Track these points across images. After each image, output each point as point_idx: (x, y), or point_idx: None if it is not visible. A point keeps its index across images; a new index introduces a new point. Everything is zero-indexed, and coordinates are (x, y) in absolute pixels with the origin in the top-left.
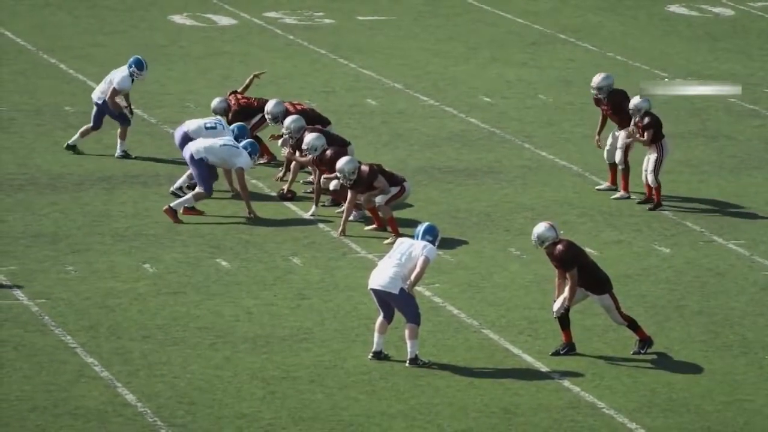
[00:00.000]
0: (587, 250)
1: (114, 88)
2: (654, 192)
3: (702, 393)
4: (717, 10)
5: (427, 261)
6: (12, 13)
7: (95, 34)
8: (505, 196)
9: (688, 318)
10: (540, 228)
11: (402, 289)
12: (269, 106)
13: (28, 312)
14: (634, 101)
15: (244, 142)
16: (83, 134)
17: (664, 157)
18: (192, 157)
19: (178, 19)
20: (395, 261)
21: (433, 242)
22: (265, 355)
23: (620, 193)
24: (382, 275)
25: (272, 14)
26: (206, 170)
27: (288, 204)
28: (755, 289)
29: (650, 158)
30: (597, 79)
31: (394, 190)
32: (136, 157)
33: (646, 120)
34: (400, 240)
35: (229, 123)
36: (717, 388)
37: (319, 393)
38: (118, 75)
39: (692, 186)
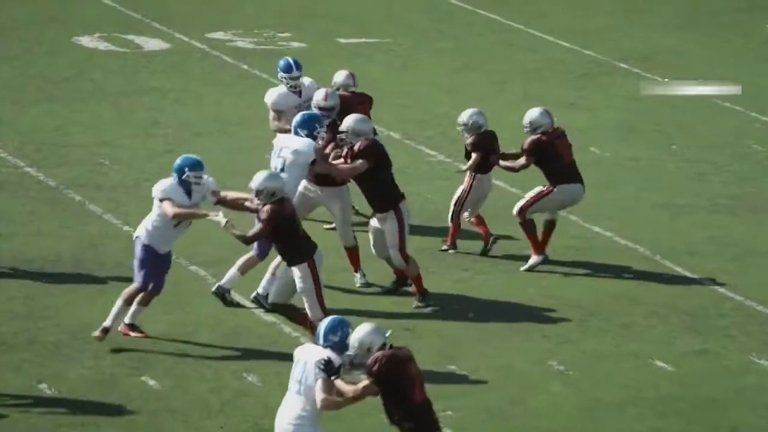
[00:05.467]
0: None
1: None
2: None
3: None
4: None
5: (324, 400)
6: None
7: None
8: (543, 289)
9: None
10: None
11: None
12: (353, 123)
13: None
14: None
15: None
16: None
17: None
18: None
19: (87, 41)
20: (294, 395)
21: (339, 346)
22: None
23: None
24: (283, 419)
25: (219, 35)
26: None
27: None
28: None
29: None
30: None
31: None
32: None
33: (469, 140)
34: (297, 353)
35: None
36: None
37: None
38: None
39: None
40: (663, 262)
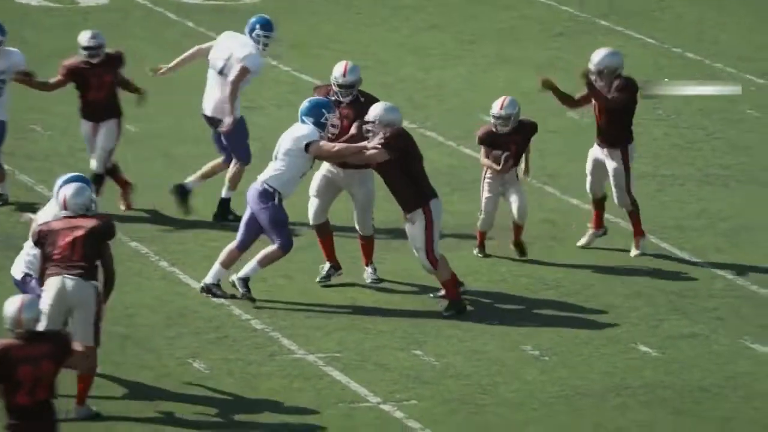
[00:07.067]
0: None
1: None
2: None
3: None
4: None
5: None
6: None
7: None
8: (516, 267)
9: None
10: None
11: None
12: (382, 112)
13: None
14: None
15: None
16: None
17: None
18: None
19: None
20: None
21: None
22: None
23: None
24: None
25: None
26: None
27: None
28: None
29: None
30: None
31: None
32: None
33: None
34: None
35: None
36: None
37: None
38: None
39: None
40: (648, 238)
